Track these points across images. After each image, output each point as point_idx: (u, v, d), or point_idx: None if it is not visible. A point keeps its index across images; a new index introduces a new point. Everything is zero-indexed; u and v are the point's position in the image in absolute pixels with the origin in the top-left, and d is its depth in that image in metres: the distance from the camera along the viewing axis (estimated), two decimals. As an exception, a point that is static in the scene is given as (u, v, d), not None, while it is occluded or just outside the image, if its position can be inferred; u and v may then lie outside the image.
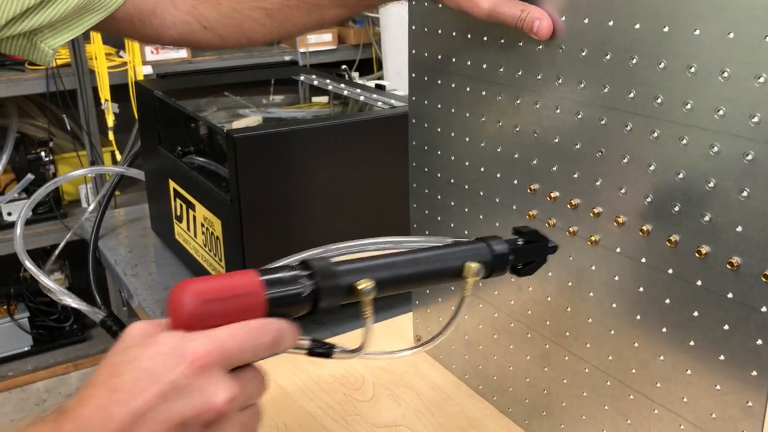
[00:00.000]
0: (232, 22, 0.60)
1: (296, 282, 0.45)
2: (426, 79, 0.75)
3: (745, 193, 0.47)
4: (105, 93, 2.21)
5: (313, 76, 1.26)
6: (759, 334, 0.48)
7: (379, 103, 1.03)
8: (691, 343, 0.53)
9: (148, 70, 2.24)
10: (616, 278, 0.58)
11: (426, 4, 0.71)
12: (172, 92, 1.15)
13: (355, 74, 1.42)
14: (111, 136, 2.25)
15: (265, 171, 0.88)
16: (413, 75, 0.77)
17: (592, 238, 0.59)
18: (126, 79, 2.23)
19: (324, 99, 1.25)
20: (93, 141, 2.28)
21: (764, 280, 0.46)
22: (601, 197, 0.57)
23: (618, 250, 0.57)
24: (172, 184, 1.12)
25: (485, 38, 0.66)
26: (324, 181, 0.93)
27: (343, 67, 1.44)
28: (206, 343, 0.39)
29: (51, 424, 0.38)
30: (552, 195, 0.62)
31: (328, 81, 1.21)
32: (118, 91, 2.24)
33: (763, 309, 0.47)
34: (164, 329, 0.41)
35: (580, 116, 0.57)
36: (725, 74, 0.46)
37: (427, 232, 0.81)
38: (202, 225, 1.03)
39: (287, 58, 2.37)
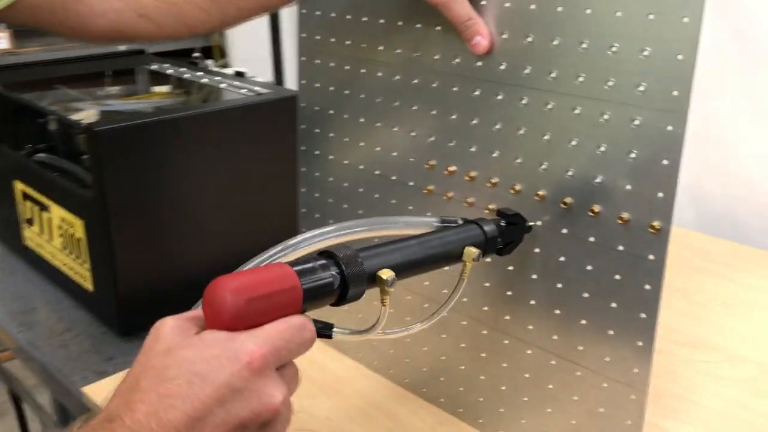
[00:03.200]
0: (173, 9, 0.56)
1: (326, 272, 0.44)
2: (318, 62, 0.76)
3: (633, 155, 0.53)
4: None
5: (167, 65, 1.22)
6: (647, 280, 0.54)
7: (243, 91, 1.02)
8: (585, 294, 0.59)
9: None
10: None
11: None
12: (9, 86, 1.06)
13: (209, 62, 1.38)
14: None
15: (131, 164, 0.84)
16: (303, 59, 0.78)
17: (489, 207, 0.63)
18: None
19: (165, 88, 1.20)
20: None
21: (651, 231, 0.53)
22: (498, 168, 0.62)
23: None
24: (18, 186, 1.04)
25: (381, 21, 0.68)
26: (198, 172, 0.90)
27: (196, 54, 1.39)
28: (259, 344, 0.38)
29: None
30: (449, 169, 0.66)
31: (183, 69, 1.18)
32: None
33: (651, 257, 0.54)
34: (198, 325, 0.40)
35: (477, 93, 0.61)
36: (613, 49, 0.52)
37: (317, 216, 0.82)
38: (60, 227, 0.96)
39: (122, 48, 2.24)
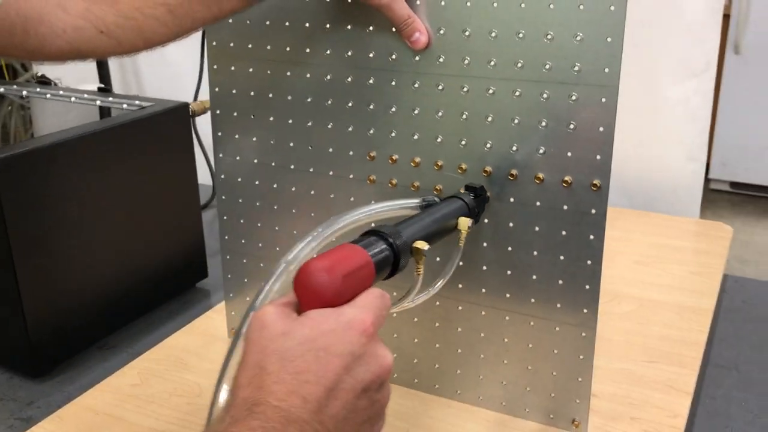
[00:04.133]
0: (132, 24, 0.53)
1: (381, 246, 0.49)
2: (233, 69, 0.76)
3: (572, 126, 0.61)
4: None
5: (15, 86, 1.12)
6: (591, 231, 0.64)
7: (124, 105, 0.98)
8: (535, 253, 0.67)
9: None
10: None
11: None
12: None
13: (57, 80, 1.29)
14: None
15: (29, 197, 0.78)
16: (215, 67, 0.78)
17: (437, 187, 0.69)
18: None
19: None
20: None
21: (593, 188, 0.62)
22: (444, 152, 0.68)
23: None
24: None
25: (306, 24, 0.71)
26: (96, 194, 0.86)
27: (40, 74, 1.29)
28: (365, 312, 0.42)
29: (249, 419, 0.36)
30: (371, 155, 0.71)
31: (39, 90, 1.10)
32: None
33: (593, 211, 0.63)
34: (294, 308, 0.42)
35: (417, 85, 0.67)
36: (549, 36, 0.60)
37: (242, 221, 0.83)
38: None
39: None
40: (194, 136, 1.10)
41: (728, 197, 3.06)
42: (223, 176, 0.82)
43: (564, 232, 0.65)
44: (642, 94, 1.21)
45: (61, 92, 1.06)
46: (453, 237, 0.62)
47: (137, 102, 0.98)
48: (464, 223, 0.61)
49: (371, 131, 0.71)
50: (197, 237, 1.02)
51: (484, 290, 0.70)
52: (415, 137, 0.69)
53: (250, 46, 0.75)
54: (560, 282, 0.67)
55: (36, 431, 0.73)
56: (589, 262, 0.65)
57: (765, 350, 0.88)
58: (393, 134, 0.70)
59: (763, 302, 0.99)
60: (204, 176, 1.10)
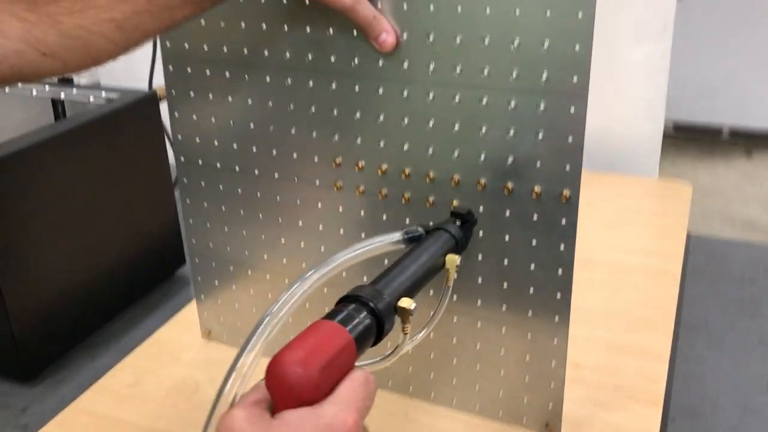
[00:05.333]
0: (77, 43, 0.49)
1: (360, 315, 0.44)
2: (189, 71, 0.73)
3: (540, 135, 0.59)
4: None
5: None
6: (561, 241, 0.62)
7: (91, 98, 0.95)
8: (505, 262, 0.65)
9: None
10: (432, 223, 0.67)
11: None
12: None
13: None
14: None
15: (1, 206, 0.76)
16: (170, 68, 0.74)
17: (406, 195, 0.67)
18: None
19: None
20: None
21: (563, 200, 0.60)
22: (409, 159, 0.65)
23: (432, 199, 0.66)
24: None
25: (263, 26, 0.67)
26: (73, 192, 0.84)
27: None
28: (346, 411, 0.38)
29: None
30: (337, 161, 0.68)
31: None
32: None
33: (563, 221, 0.61)
34: (266, 408, 0.38)
35: (381, 91, 0.64)
36: (515, 43, 0.57)
37: (208, 225, 0.80)
38: None
39: None
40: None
41: (671, 141, 3.09)
42: (185, 180, 0.79)
43: (534, 242, 0.63)
44: (600, 56, 1.20)
45: (19, 85, 1.02)
46: (440, 275, 0.59)
47: (103, 94, 0.95)
48: (452, 261, 0.57)
49: (336, 137, 0.68)
50: (173, 225, 1.00)
51: (455, 297, 0.69)
52: (381, 144, 0.66)
53: (205, 48, 0.71)
54: (531, 290, 0.65)
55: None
56: (560, 271, 0.63)
57: (730, 308, 0.91)
58: (358, 141, 0.67)
59: (725, 261, 1.01)
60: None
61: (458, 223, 0.61)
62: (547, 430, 0.70)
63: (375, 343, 0.46)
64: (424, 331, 0.59)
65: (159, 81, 0.85)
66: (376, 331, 0.46)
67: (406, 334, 0.50)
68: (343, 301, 0.46)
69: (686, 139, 3.11)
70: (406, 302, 0.48)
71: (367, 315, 0.45)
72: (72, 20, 0.50)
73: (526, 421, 0.71)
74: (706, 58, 2.72)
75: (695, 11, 2.58)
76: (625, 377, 0.77)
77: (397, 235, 0.59)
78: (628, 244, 1.02)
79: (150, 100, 0.91)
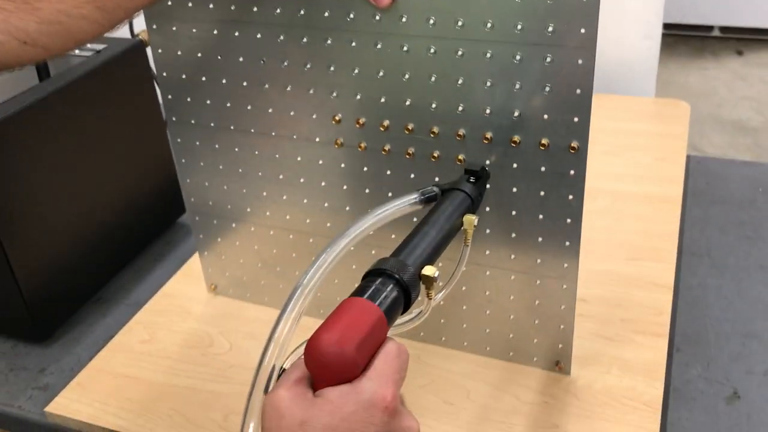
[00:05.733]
0: (58, 28, 0.47)
1: (387, 288, 0.45)
2: (174, 29, 0.70)
3: (547, 89, 0.58)
4: None
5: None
6: (570, 191, 0.62)
7: (76, 51, 0.91)
8: (513, 213, 0.65)
9: None
10: (436, 179, 0.66)
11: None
12: None
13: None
14: None
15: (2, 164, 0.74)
16: (154, 26, 0.71)
17: (409, 151, 0.66)
18: None
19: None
20: None
21: (571, 151, 0.59)
22: (412, 115, 0.64)
23: (437, 153, 0.64)
24: None
25: (250, -19, 0.64)
26: (67, 149, 0.82)
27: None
28: (384, 385, 0.40)
29: None
30: (336, 118, 0.67)
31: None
32: None
33: (572, 172, 0.61)
34: (307, 385, 0.40)
35: (379, 46, 0.62)
36: None
37: (207, 184, 0.79)
38: None
39: None
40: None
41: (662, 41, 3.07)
42: (179, 140, 0.77)
43: (542, 193, 0.63)
44: None
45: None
46: (458, 235, 0.59)
47: (88, 45, 0.91)
48: (470, 221, 0.58)
49: (334, 94, 0.66)
50: (170, 174, 0.98)
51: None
52: (382, 100, 0.64)
53: (190, 5, 0.68)
54: (540, 239, 0.66)
55: (60, 402, 0.74)
56: (568, 220, 0.63)
57: (731, 232, 0.92)
58: (358, 97, 0.65)
59: (724, 182, 1.02)
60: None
61: (472, 180, 0.61)
62: (557, 368, 0.72)
63: (403, 312, 0.48)
64: (443, 292, 0.59)
65: (140, 26, 0.82)
66: (404, 301, 0.47)
67: (430, 299, 0.52)
68: (369, 276, 0.48)
69: (677, 39, 3.06)
70: (430, 270, 0.50)
71: (393, 287, 0.46)
72: (51, 5, 0.47)
73: (536, 360, 0.73)
74: None
75: None
76: (631, 310, 0.78)
77: (413, 197, 0.59)
78: (629, 170, 1.02)
79: (136, 48, 0.88)
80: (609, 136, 1.10)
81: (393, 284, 0.47)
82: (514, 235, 0.67)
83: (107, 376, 0.77)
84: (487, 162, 0.63)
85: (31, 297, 0.80)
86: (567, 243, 0.65)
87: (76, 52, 0.90)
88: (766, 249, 0.87)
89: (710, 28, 3.04)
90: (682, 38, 3.05)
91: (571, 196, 0.62)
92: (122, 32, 1.11)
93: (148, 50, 1.08)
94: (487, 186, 0.64)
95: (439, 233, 0.54)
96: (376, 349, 0.42)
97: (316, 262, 0.50)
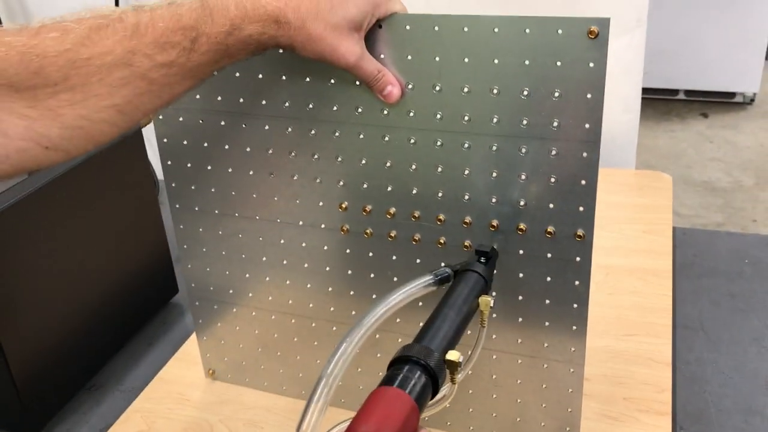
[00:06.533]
0: (80, 133, 0.47)
1: (415, 375, 0.45)
2: (181, 119, 0.71)
3: (553, 179, 0.59)
4: None
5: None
6: (576, 277, 0.63)
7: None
8: (520, 298, 0.66)
9: None
10: (442, 264, 0.67)
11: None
12: None
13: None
14: None
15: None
16: (160, 117, 0.72)
17: (416, 237, 0.67)
18: None
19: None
20: None
21: (577, 239, 0.61)
22: (418, 203, 0.65)
23: (443, 240, 0.66)
24: None
25: (259, 76, 0.65)
26: (60, 244, 0.81)
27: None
28: None
29: None
30: (343, 206, 0.68)
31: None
32: None
33: (578, 259, 0.62)
34: None
35: (387, 139, 0.63)
36: (525, 93, 0.57)
37: (208, 269, 0.79)
38: None
39: None
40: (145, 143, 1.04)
41: None
42: (182, 226, 0.78)
43: (549, 278, 0.64)
44: None
45: None
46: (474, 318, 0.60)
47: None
48: (486, 303, 0.59)
49: (341, 183, 0.67)
50: (164, 255, 0.98)
51: (469, 331, 0.70)
52: (389, 189, 0.66)
53: (197, 97, 0.69)
54: (546, 323, 0.66)
55: None
56: (575, 305, 0.64)
57: (723, 305, 0.93)
58: (365, 186, 0.67)
59: (711, 254, 1.04)
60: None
61: (483, 260, 0.62)
62: (565, 451, 0.72)
63: (431, 398, 0.48)
64: (461, 374, 0.60)
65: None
66: (432, 388, 0.48)
67: (454, 383, 0.52)
68: (396, 363, 0.48)
69: (644, 102, 3.14)
70: (454, 355, 0.50)
71: (421, 374, 0.47)
72: (73, 111, 0.48)
73: (543, 443, 0.73)
74: (662, 24, 2.76)
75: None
76: (633, 388, 0.79)
77: (428, 278, 0.60)
78: (619, 242, 1.04)
79: (135, 136, 0.89)
80: (597, 208, 1.13)
81: (420, 371, 0.47)
82: (520, 319, 0.67)
83: (105, 470, 0.75)
84: (495, 246, 0.64)
85: (24, 386, 0.78)
86: (574, 327, 0.66)
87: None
88: (758, 321, 0.89)
89: (676, 91, 3.16)
90: (649, 101, 3.15)
91: (577, 282, 0.63)
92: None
93: (144, 131, 1.10)
94: (494, 271, 0.65)
95: (458, 316, 0.55)
96: None
97: (338, 351, 0.51)
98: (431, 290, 0.61)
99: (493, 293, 0.66)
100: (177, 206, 0.77)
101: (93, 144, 0.50)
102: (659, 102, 3.21)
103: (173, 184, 0.75)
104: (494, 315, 0.68)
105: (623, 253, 1.02)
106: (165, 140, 0.73)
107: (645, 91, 3.12)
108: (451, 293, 0.57)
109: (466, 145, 0.61)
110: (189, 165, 0.73)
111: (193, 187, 0.75)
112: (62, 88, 0.47)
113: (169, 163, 0.74)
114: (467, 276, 0.60)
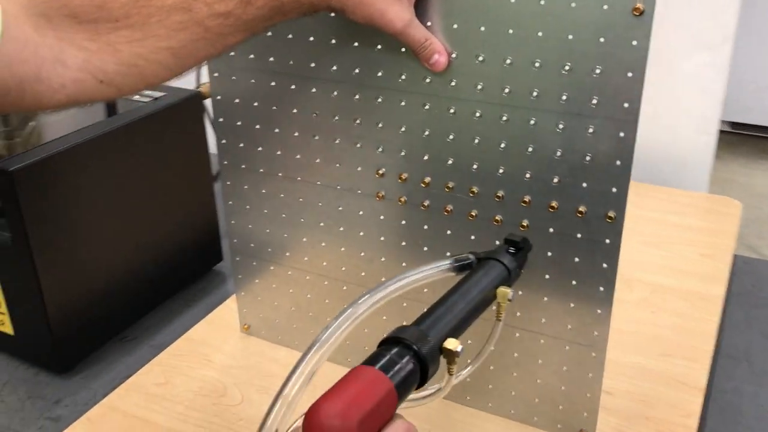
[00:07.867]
0: (134, 70, 0.51)
1: (403, 360, 0.42)
2: (234, 78, 0.74)
3: (588, 158, 0.60)
4: None
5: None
6: (604, 259, 0.63)
7: (136, 96, 0.96)
8: (546, 276, 0.66)
9: None
10: (472, 237, 0.68)
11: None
12: None
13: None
14: None
15: (48, 198, 0.78)
16: (216, 75, 0.75)
17: (448, 208, 0.68)
18: None
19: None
20: None
21: (608, 220, 0.61)
22: (453, 174, 0.66)
23: (474, 212, 0.66)
24: None
25: (310, 38, 0.68)
26: (113, 190, 0.85)
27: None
28: None
29: None
30: (380, 172, 0.70)
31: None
32: None
33: (607, 241, 0.62)
34: None
35: (427, 107, 0.65)
36: (566, 68, 0.57)
37: (250, 226, 0.82)
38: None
39: None
40: (207, 117, 1.08)
41: (725, 139, 3.01)
42: (229, 182, 0.81)
43: (577, 259, 0.64)
44: (655, 66, 1.18)
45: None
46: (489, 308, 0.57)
47: (147, 92, 0.96)
48: (503, 295, 0.55)
49: (380, 149, 0.69)
50: (211, 222, 1.02)
51: (494, 307, 0.70)
52: (426, 158, 0.67)
53: (251, 56, 0.72)
54: (572, 305, 0.66)
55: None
56: (601, 288, 0.64)
57: None
58: (403, 153, 0.68)
59: None
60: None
61: (511, 250, 0.60)
62: (581, 437, 0.72)
63: (418, 387, 0.44)
64: (469, 369, 0.59)
65: (206, 78, 0.86)
66: (420, 375, 0.44)
67: (451, 375, 0.48)
68: (385, 344, 0.44)
69: (741, 139, 3.01)
70: (452, 344, 0.46)
71: (410, 360, 0.43)
72: (131, 49, 0.50)
73: (560, 427, 0.72)
74: (763, 57, 2.63)
75: (758, 8, 2.49)
76: (658, 408, 0.76)
77: (446, 263, 0.57)
78: (671, 262, 1.01)
79: (194, 99, 0.92)
80: (654, 227, 1.09)
81: (410, 356, 0.43)
82: (546, 298, 0.67)
83: (118, 415, 0.78)
84: (525, 223, 0.65)
85: (58, 328, 0.82)
86: (599, 311, 0.65)
87: (135, 96, 0.95)
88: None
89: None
90: (746, 137, 3.01)
91: (605, 265, 0.63)
92: (187, 82, 1.17)
93: (206, 102, 1.14)
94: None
95: (468, 305, 0.51)
96: (383, 425, 0.39)
97: (333, 323, 0.47)
98: (449, 275, 0.57)
99: (519, 292, 0.66)
100: (225, 162, 0.80)
101: (144, 84, 0.53)
102: (757, 138, 3.05)
103: (223, 141, 0.78)
104: (520, 292, 0.68)
105: (674, 274, 0.98)
106: (219, 97, 0.76)
107: (742, 126, 2.99)
108: (466, 280, 0.54)
109: (505, 118, 0.62)
110: (239, 123, 0.76)
111: (241, 145, 0.77)
112: (123, 24, 0.50)
113: (221, 120, 0.77)
114: (489, 264, 0.56)
